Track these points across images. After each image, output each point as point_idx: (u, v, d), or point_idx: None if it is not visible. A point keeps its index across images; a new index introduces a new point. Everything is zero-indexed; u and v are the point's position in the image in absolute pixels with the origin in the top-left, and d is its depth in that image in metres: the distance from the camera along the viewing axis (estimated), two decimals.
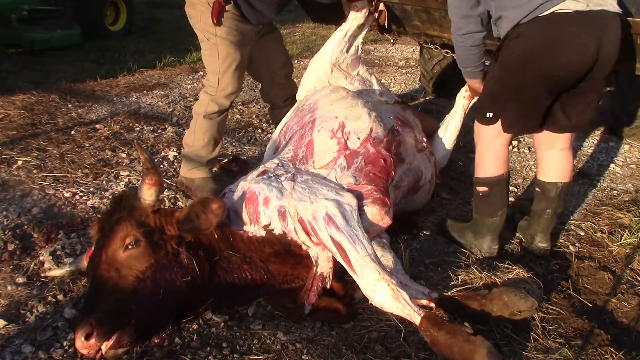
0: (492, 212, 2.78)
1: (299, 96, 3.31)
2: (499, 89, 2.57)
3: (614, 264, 2.85)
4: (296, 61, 7.24)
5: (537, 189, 2.86)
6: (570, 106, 2.55)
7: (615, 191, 3.69)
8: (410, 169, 2.91)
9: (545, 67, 2.38)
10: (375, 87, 3.41)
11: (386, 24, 3.45)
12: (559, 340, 2.25)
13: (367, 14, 3.28)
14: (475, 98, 3.32)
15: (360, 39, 3.38)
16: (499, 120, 2.61)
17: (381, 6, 3.35)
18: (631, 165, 4.08)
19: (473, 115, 2.86)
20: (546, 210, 2.81)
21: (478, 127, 2.72)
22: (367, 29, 3.43)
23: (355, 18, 3.24)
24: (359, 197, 2.36)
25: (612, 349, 2.20)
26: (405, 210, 2.98)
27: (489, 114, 2.62)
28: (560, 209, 2.88)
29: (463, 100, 3.45)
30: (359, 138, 2.63)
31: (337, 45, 3.25)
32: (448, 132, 3.46)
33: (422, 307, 2.31)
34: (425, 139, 3.18)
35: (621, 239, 3.01)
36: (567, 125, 2.62)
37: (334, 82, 3.24)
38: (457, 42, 2.65)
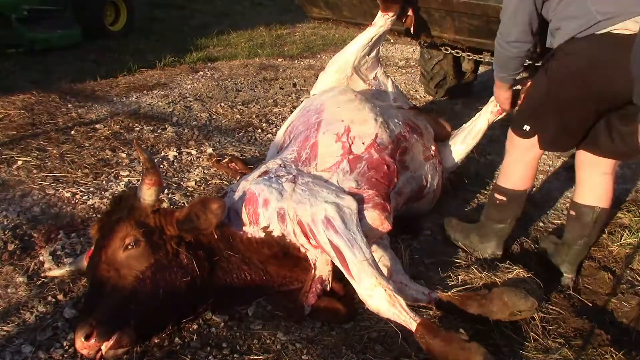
0: (502, 220, 2.74)
1: (314, 94, 3.29)
2: (543, 103, 2.46)
3: (614, 264, 2.85)
4: (296, 61, 7.25)
5: (571, 212, 2.67)
6: (615, 130, 2.44)
7: (615, 191, 3.68)
8: (414, 176, 2.87)
9: (593, 87, 2.29)
10: (390, 90, 3.38)
11: (412, 29, 3.42)
12: (559, 340, 2.25)
13: (395, 18, 3.22)
14: (503, 114, 3.21)
15: (381, 42, 3.34)
16: (536, 135, 2.52)
17: (409, 11, 3.31)
18: (631, 165, 4.08)
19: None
20: (578, 240, 2.62)
21: (512, 136, 2.62)
22: (388, 32, 3.37)
23: (383, 24, 3.18)
24: (360, 201, 2.36)
25: (612, 349, 2.21)
26: (404, 216, 2.95)
27: (527, 127, 2.52)
28: (594, 240, 2.65)
29: (489, 115, 3.23)
30: (363, 143, 2.62)
31: (361, 49, 3.20)
32: (465, 143, 3.29)
33: (422, 307, 2.32)
34: (434, 147, 3.09)
35: (621, 239, 3.01)
36: (610, 150, 2.49)
37: (353, 86, 3.20)
38: (501, 48, 2.53)
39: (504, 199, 2.69)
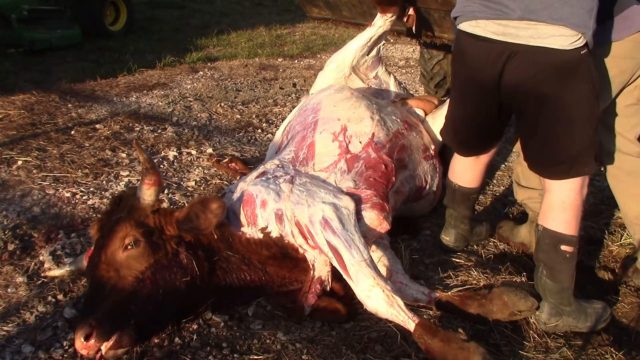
0: (449, 206, 2.83)
1: (312, 93, 3.29)
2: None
3: (614, 264, 2.84)
4: (296, 61, 7.25)
5: None
6: (521, 144, 2.44)
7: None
8: (412, 175, 2.85)
9: (455, 76, 2.43)
10: (392, 88, 3.36)
11: (414, 28, 3.41)
12: (559, 340, 2.25)
13: (394, 19, 3.19)
14: None
15: (382, 41, 3.32)
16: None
17: (410, 10, 3.32)
18: None
19: None
20: (538, 265, 2.33)
21: None
22: (389, 32, 3.34)
23: (382, 24, 3.16)
24: (358, 201, 2.35)
25: (612, 349, 2.21)
26: (404, 217, 2.95)
27: None
28: (556, 273, 2.25)
29: None
30: (360, 142, 2.61)
31: (359, 49, 3.19)
32: None
33: (422, 307, 2.32)
34: (434, 147, 3.07)
35: (621, 239, 3.01)
36: (527, 161, 2.41)
37: (351, 85, 3.19)
38: None
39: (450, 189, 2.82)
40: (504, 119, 2.44)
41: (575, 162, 2.18)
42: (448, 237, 2.82)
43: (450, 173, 2.80)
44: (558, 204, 2.25)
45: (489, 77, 2.19)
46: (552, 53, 2.03)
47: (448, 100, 2.76)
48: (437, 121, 3.15)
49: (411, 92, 5.82)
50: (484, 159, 2.68)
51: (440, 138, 3.16)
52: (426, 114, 3.22)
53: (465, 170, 2.71)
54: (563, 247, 2.23)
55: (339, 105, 2.77)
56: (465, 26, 2.21)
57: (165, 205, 3.02)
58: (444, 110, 3.13)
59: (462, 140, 2.61)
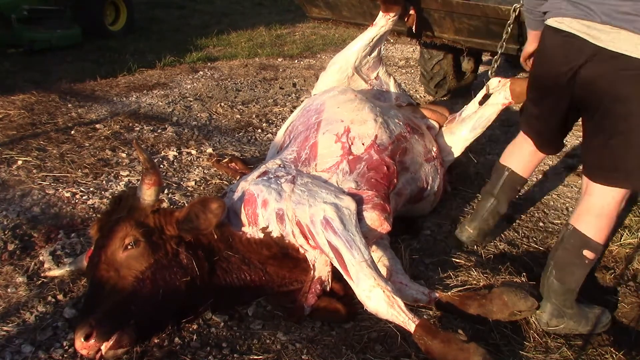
0: (485, 191, 2.84)
1: (314, 94, 3.29)
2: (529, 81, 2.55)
3: (614, 264, 2.85)
4: (296, 61, 7.25)
5: None
6: (584, 141, 2.38)
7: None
8: (414, 178, 2.86)
9: (534, 69, 2.44)
10: (392, 89, 3.37)
11: (414, 28, 3.41)
12: (559, 340, 2.25)
13: (396, 18, 3.20)
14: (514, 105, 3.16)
15: (383, 42, 3.33)
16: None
17: (411, 10, 3.31)
18: None
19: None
20: (548, 265, 2.35)
21: None
22: (389, 32, 3.36)
23: (384, 24, 3.17)
24: (359, 202, 2.35)
25: (612, 349, 2.21)
26: (404, 217, 2.95)
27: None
28: (565, 275, 2.28)
29: (497, 105, 3.10)
30: (363, 144, 2.61)
31: (362, 49, 3.19)
32: (470, 132, 3.17)
33: (422, 307, 2.32)
34: (435, 149, 3.07)
35: (621, 239, 3.01)
36: (583, 162, 2.40)
37: (354, 86, 3.20)
38: None
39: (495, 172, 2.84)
40: (571, 120, 2.45)
41: (632, 173, 2.17)
42: (471, 230, 2.81)
43: (503, 158, 2.79)
44: (596, 209, 2.25)
45: (565, 71, 2.19)
46: (631, 61, 2.03)
47: (461, 115, 2.95)
48: (454, 136, 3.22)
49: (411, 92, 5.83)
50: (541, 154, 2.70)
51: (451, 154, 3.24)
52: (440, 127, 3.26)
53: (522, 157, 2.72)
54: (585, 252, 2.24)
55: (343, 106, 2.77)
56: (552, 22, 2.24)
57: (165, 205, 3.03)
58: (459, 126, 3.21)
59: (533, 127, 2.60)
